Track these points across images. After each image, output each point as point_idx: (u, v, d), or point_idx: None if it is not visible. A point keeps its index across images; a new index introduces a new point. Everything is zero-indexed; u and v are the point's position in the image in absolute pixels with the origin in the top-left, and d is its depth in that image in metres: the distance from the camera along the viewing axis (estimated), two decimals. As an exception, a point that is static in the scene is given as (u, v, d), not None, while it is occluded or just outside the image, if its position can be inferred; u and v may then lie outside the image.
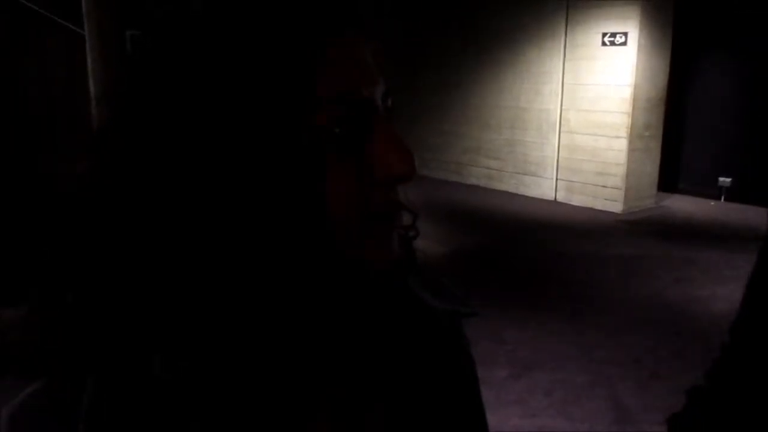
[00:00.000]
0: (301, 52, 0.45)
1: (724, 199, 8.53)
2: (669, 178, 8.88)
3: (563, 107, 8.44)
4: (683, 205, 8.46)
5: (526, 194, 8.95)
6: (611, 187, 7.97)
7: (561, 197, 8.56)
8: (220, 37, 0.45)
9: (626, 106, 7.71)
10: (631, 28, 7.56)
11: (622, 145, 7.81)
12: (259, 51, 0.45)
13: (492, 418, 0.66)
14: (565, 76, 8.37)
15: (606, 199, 8.02)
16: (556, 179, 8.61)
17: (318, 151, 0.45)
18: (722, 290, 5.07)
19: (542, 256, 6.13)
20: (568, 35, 8.26)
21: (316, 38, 0.46)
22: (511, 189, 9.20)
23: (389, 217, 0.51)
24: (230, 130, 0.44)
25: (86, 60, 4.09)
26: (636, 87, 7.67)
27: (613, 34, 7.71)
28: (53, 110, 4.16)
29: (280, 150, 0.44)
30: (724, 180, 8.52)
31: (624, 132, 7.77)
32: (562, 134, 8.50)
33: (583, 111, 8.20)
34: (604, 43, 7.84)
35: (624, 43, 7.63)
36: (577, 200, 8.33)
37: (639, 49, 7.58)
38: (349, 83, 0.47)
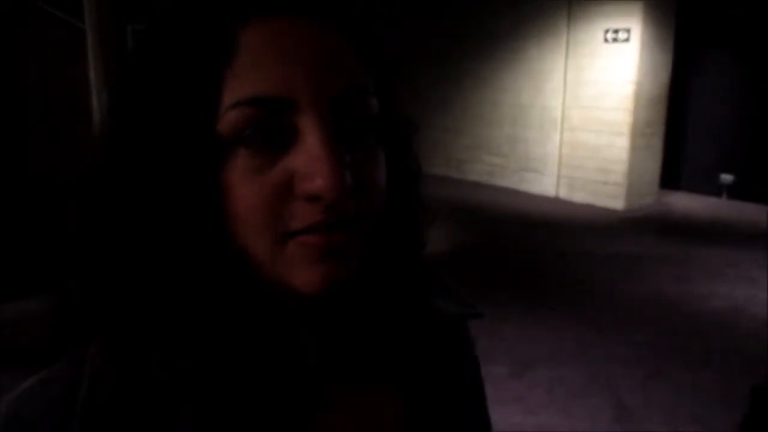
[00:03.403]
0: (205, 45, 0.42)
1: (726, 197, 8.52)
2: (671, 176, 8.87)
3: (565, 104, 8.42)
4: (685, 203, 8.45)
5: (527, 191, 8.94)
6: (613, 184, 7.95)
7: (562, 194, 8.55)
8: (157, 32, 0.45)
9: (628, 104, 7.70)
10: (633, 24, 7.53)
11: (623, 142, 7.80)
12: (170, 48, 0.44)
13: (492, 416, 0.66)
14: (567, 72, 8.35)
15: (607, 197, 8.01)
16: (558, 176, 8.60)
17: (212, 159, 0.42)
18: (723, 288, 5.07)
19: (543, 254, 6.13)
20: (570, 32, 8.24)
21: (224, 26, 0.42)
22: (513, 186, 9.19)
23: (316, 235, 0.43)
24: (147, 134, 0.44)
25: (87, 54, 4.09)
26: (638, 84, 7.65)
27: (616, 31, 7.69)
28: (54, 103, 4.15)
29: (175, 159, 0.42)
30: (726, 177, 8.51)
31: (626, 129, 7.76)
32: (564, 131, 8.48)
33: (585, 108, 8.18)
34: (606, 40, 7.81)
35: (626, 40, 7.61)
36: (579, 197, 8.32)
37: (641, 46, 7.56)
38: (257, 81, 0.42)
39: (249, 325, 0.49)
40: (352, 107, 0.45)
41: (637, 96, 7.67)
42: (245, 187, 0.42)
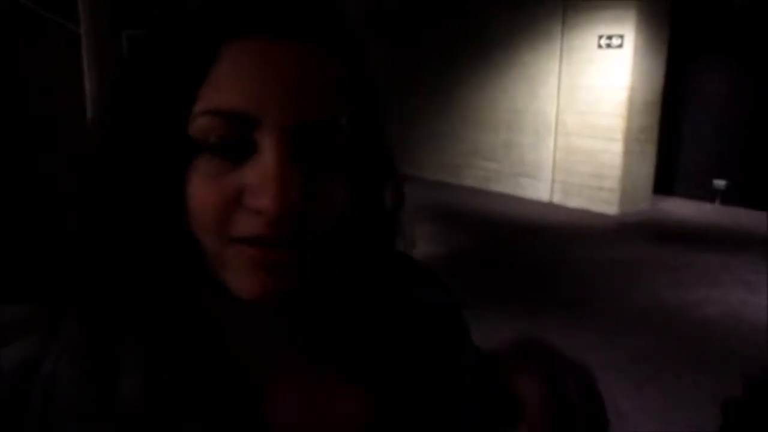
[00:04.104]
0: (186, 54, 0.45)
1: (720, 202, 8.55)
2: (665, 181, 8.90)
3: (560, 109, 8.46)
4: (679, 208, 8.48)
5: (522, 196, 8.96)
6: (607, 190, 7.98)
7: (557, 199, 8.58)
8: (148, 38, 0.49)
9: (622, 109, 7.73)
10: (627, 30, 7.58)
11: (617, 147, 7.83)
12: (155, 57, 0.48)
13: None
14: (561, 78, 8.39)
15: (602, 202, 8.03)
16: (552, 181, 8.63)
17: (177, 161, 0.45)
18: (717, 293, 5.08)
19: (538, 259, 6.14)
20: (564, 37, 8.27)
21: (206, 39, 0.45)
22: (508, 191, 9.21)
23: (255, 246, 0.46)
24: (127, 129, 0.48)
25: (80, 59, 4.09)
26: (632, 90, 7.69)
27: (609, 37, 7.73)
28: (52, 109, 4.15)
29: (148, 152, 0.46)
30: (719, 183, 8.55)
31: (620, 135, 7.79)
32: (558, 136, 8.51)
33: (580, 113, 8.22)
34: (600, 46, 7.85)
35: (620, 46, 7.65)
36: (573, 202, 8.34)
37: (635, 52, 7.60)
38: (227, 95, 0.44)
39: (213, 305, 0.53)
40: (317, 135, 0.46)
41: (631, 102, 7.71)
42: (201, 189, 0.45)
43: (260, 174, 0.44)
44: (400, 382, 0.57)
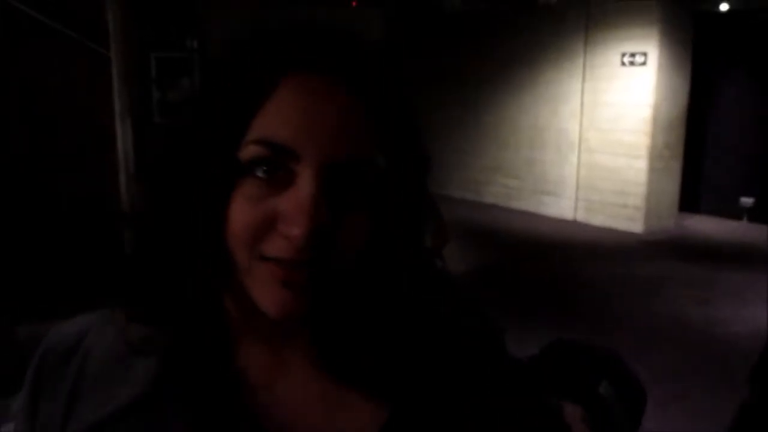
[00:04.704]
0: (244, 90, 0.52)
1: (747, 220, 8.43)
2: (690, 199, 8.80)
3: (582, 127, 8.43)
4: (705, 226, 8.38)
5: (545, 214, 8.92)
6: (631, 207, 7.91)
7: (580, 217, 8.52)
8: (212, 71, 0.57)
9: (646, 126, 7.68)
10: (650, 47, 7.56)
11: (642, 164, 7.78)
12: (213, 90, 0.55)
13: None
14: (584, 95, 8.37)
15: (626, 220, 7.96)
16: (576, 199, 8.58)
17: (226, 181, 0.51)
18: (744, 312, 5.01)
19: (561, 277, 6.10)
20: (587, 55, 8.27)
21: (262, 76, 0.51)
22: (530, 208, 9.18)
23: (282, 266, 0.51)
24: (180, 150, 0.55)
25: (110, 80, 4.19)
26: (656, 107, 7.65)
27: (633, 54, 7.71)
28: (79, 129, 4.25)
29: (202, 170, 0.53)
30: (746, 200, 8.43)
31: (644, 152, 7.74)
32: (581, 153, 8.48)
33: (603, 130, 8.18)
34: (623, 63, 7.84)
35: (643, 63, 7.63)
36: (597, 220, 8.28)
37: (659, 69, 7.57)
38: (275, 129, 0.50)
39: (231, 314, 0.59)
40: (349, 173, 0.51)
41: (655, 118, 7.66)
42: (242, 209, 0.51)
43: (295, 204, 0.49)
44: (416, 399, 0.58)
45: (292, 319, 0.52)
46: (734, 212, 8.55)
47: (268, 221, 0.50)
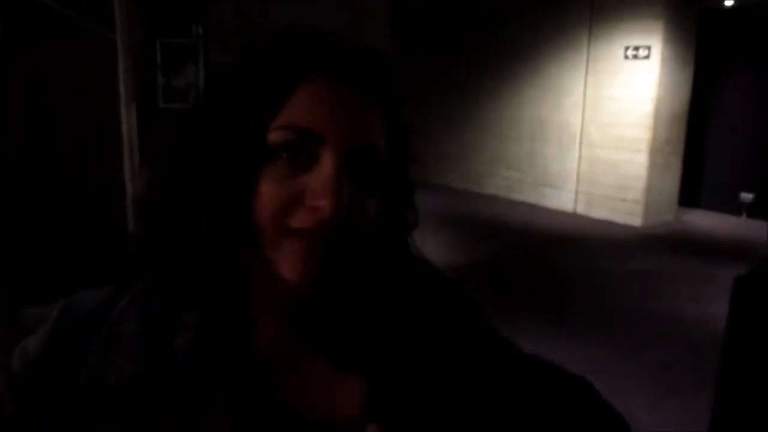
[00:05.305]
0: (274, 83, 0.58)
1: (746, 215, 8.46)
2: (690, 194, 8.83)
3: (584, 120, 8.44)
4: (704, 221, 8.41)
5: (545, 206, 8.95)
6: (631, 201, 7.95)
7: (580, 210, 8.56)
8: (242, 62, 0.61)
9: (648, 120, 7.70)
10: (654, 41, 7.55)
11: (643, 159, 7.80)
12: (243, 81, 0.60)
13: None
14: (586, 89, 8.38)
15: (626, 213, 8.00)
16: (576, 192, 8.61)
17: (257, 159, 0.57)
18: (741, 307, 5.04)
19: (560, 269, 6.14)
20: (590, 48, 8.27)
21: (292, 72, 0.58)
22: (531, 200, 9.21)
23: (309, 238, 0.56)
24: (207, 135, 0.60)
25: (116, 66, 4.20)
26: (658, 101, 7.66)
27: (636, 48, 7.71)
28: (83, 114, 4.26)
29: (230, 151, 0.58)
30: (746, 196, 8.46)
31: (645, 146, 7.76)
32: (583, 147, 8.50)
33: (605, 124, 8.20)
34: (626, 57, 7.84)
35: (647, 57, 7.63)
36: (597, 213, 8.32)
37: (662, 63, 7.57)
38: (302, 116, 0.56)
39: (252, 293, 0.63)
40: (364, 158, 0.59)
41: (657, 113, 7.67)
42: (270, 187, 0.56)
43: (321, 180, 0.56)
44: (397, 370, 0.63)
45: (310, 286, 0.58)
46: (734, 208, 8.59)
47: (295, 198, 0.56)
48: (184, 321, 0.62)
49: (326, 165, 0.56)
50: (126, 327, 0.62)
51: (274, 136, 0.57)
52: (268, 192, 0.56)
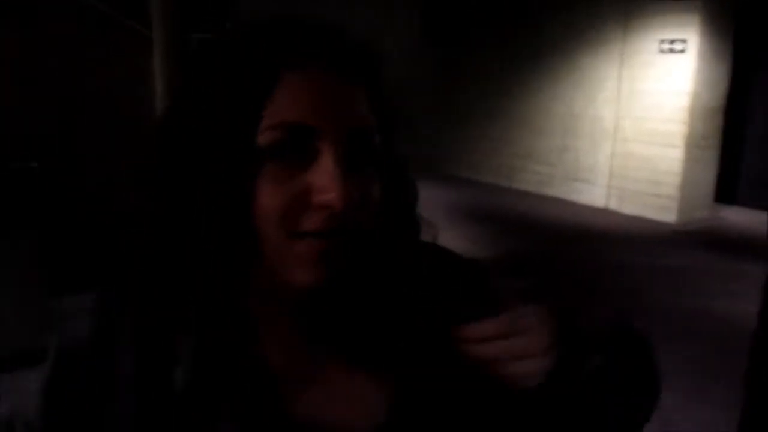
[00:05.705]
0: (253, 82, 0.54)
1: (784, 213, 8.28)
2: (726, 190, 8.65)
3: (618, 114, 8.34)
4: (740, 218, 8.25)
5: (576, 201, 8.87)
6: (665, 197, 7.83)
7: (612, 205, 8.46)
8: (219, 59, 0.58)
9: (683, 115, 7.57)
10: (690, 34, 7.41)
11: (677, 154, 7.67)
12: (224, 77, 0.56)
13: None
14: (620, 83, 8.27)
15: (659, 209, 7.88)
16: (608, 187, 8.51)
17: (250, 165, 0.53)
18: (776, 306, 4.95)
19: (590, 265, 6.09)
20: (625, 42, 8.15)
21: (270, 67, 0.54)
22: (562, 195, 9.13)
23: (321, 239, 0.54)
24: (192, 140, 0.56)
25: (151, 61, 4.29)
26: (694, 95, 7.52)
27: (672, 41, 7.58)
28: (120, 111, 4.35)
29: (219, 159, 0.54)
30: (785, 193, 8.27)
31: (680, 141, 7.63)
32: (616, 142, 8.39)
33: (639, 119, 8.08)
34: (661, 50, 7.71)
35: (683, 51, 7.49)
36: (629, 209, 8.21)
37: (698, 57, 7.43)
38: (290, 111, 0.53)
39: (253, 304, 0.60)
40: (360, 141, 0.56)
41: (693, 107, 7.53)
42: (270, 191, 0.53)
43: (325, 174, 0.53)
44: (418, 372, 0.63)
45: (326, 284, 0.55)
46: (771, 205, 8.40)
47: (299, 198, 0.53)
48: (181, 351, 0.58)
49: (326, 157, 0.53)
50: (123, 365, 0.58)
51: (264, 138, 0.53)
52: (268, 197, 0.53)
